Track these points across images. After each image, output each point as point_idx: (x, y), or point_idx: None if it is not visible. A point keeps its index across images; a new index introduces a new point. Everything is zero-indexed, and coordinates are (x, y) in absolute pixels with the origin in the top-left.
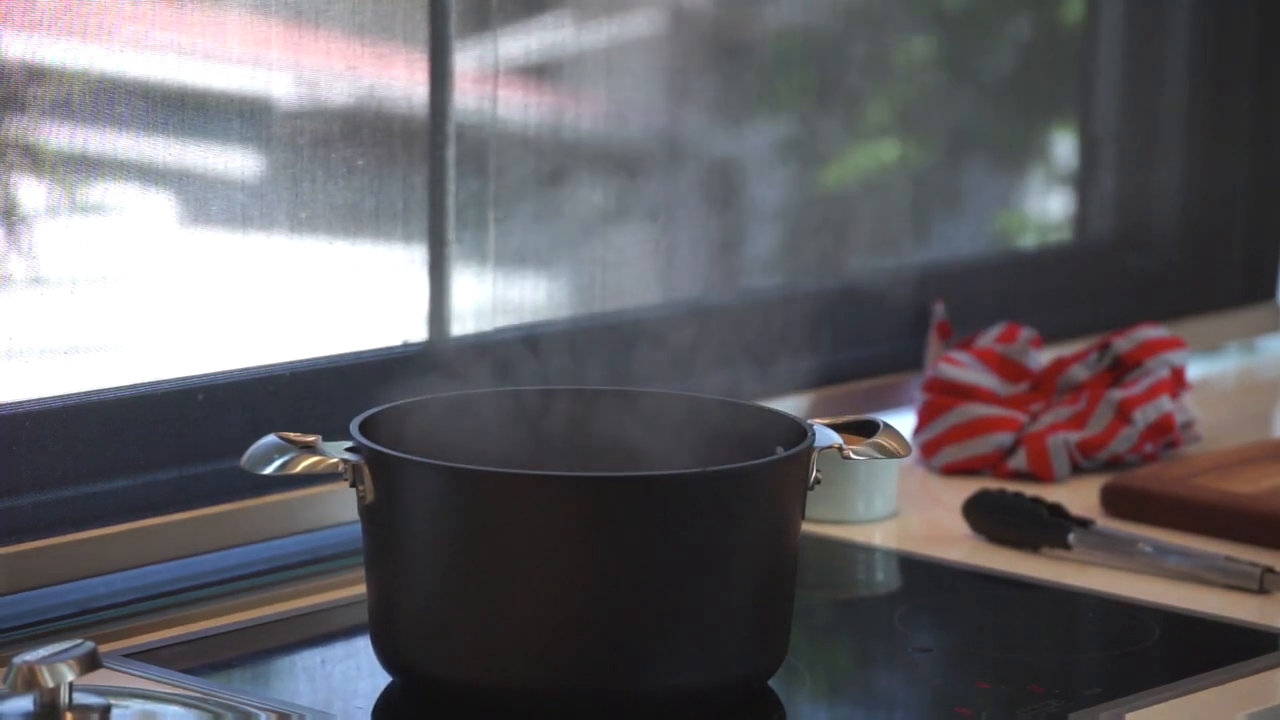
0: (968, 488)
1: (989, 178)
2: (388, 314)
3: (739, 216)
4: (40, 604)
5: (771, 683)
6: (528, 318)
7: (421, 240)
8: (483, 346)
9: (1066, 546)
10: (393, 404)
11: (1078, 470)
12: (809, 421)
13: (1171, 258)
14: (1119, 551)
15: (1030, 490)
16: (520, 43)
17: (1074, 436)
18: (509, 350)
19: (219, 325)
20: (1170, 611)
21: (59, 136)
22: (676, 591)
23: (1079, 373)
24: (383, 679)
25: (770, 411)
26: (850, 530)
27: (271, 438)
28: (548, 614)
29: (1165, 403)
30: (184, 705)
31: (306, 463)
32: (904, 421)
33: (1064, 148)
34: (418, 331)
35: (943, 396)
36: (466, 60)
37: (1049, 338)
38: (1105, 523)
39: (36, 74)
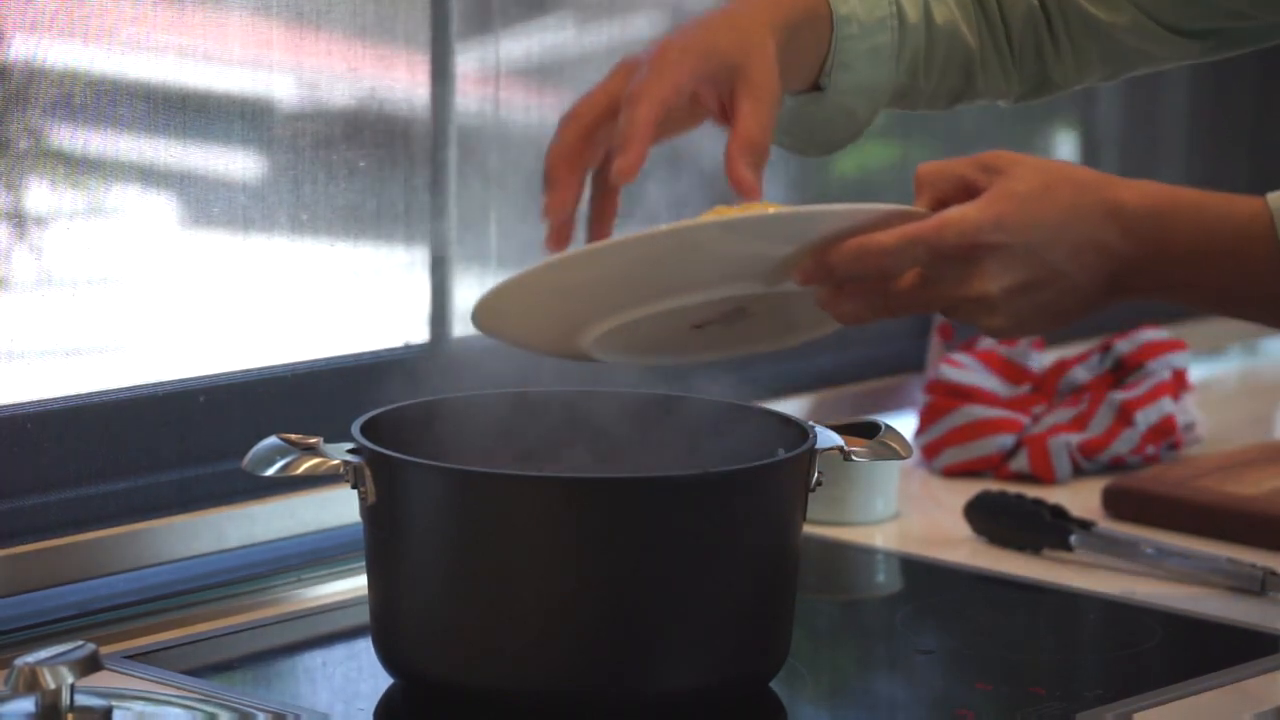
0: (969, 489)
1: None
2: (389, 315)
3: None
4: (41, 606)
5: (773, 684)
6: None
7: (423, 242)
8: (484, 348)
9: (1068, 548)
10: (395, 405)
11: (1079, 472)
12: (811, 423)
13: None
14: (1120, 553)
15: (1032, 492)
16: (521, 44)
17: (1075, 438)
18: (510, 351)
19: (221, 327)
20: (1172, 613)
21: (61, 138)
22: (678, 593)
23: (1081, 375)
24: (384, 680)
25: (772, 413)
26: (852, 532)
27: (273, 439)
28: (549, 616)
29: (1167, 404)
30: (185, 707)
31: (308, 464)
32: (906, 423)
33: (1066, 149)
34: (419, 333)
35: (944, 398)
36: (468, 62)
37: (1051, 340)
38: (1107, 524)
39: (38, 75)
